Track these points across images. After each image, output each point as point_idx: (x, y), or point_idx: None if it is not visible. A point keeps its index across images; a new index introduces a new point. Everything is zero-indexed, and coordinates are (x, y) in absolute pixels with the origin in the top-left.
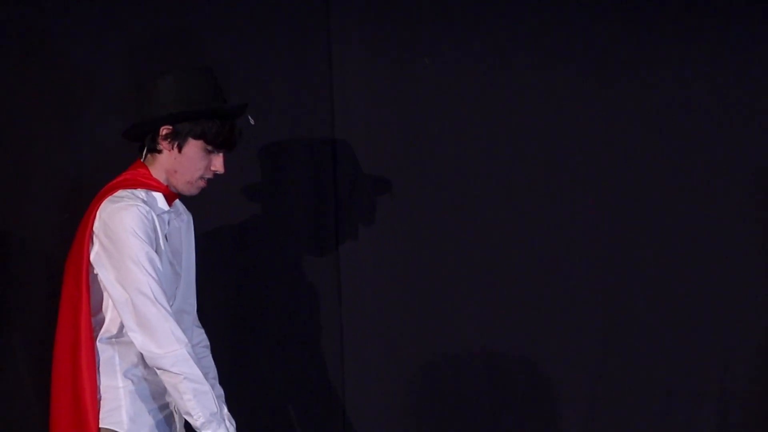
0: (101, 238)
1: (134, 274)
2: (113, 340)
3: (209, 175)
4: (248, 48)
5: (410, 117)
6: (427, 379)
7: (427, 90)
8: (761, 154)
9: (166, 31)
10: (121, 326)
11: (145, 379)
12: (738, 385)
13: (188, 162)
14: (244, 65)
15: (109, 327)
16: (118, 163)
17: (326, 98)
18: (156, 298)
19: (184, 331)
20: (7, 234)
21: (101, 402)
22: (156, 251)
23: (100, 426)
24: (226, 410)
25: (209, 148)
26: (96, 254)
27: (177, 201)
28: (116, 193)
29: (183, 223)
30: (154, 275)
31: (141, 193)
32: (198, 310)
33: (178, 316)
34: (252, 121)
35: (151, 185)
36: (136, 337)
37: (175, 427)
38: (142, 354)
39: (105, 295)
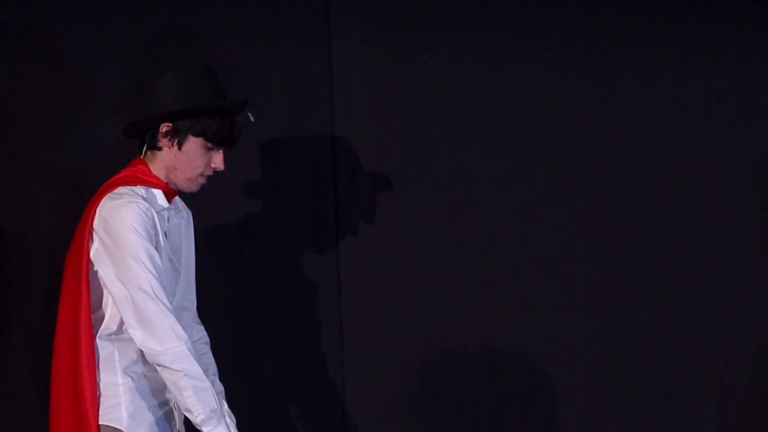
0: (101, 234)
1: (134, 270)
2: (113, 337)
3: (209, 172)
4: (248, 46)
5: (410, 114)
6: (427, 378)
7: (427, 87)
8: (761, 154)
9: (165, 29)
10: (121, 323)
11: (145, 376)
12: (738, 384)
13: (188, 159)
14: (243, 63)
15: (108, 324)
16: (117, 161)
17: (326, 96)
18: (156, 295)
19: (183, 328)
20: (6, 231)
21: (101, 399)
22: (156, 248)
23: (100, 423)
24: (226, 406)
25: (209, 145)
26: (96, 251)
27: (177, 198)
28: (116, 190)
29: (183, 220)
30: (153, 272)
31: (141, 190)
32: (198, 308)
33: (177, 313)
34: (252, 118)
35: (150, 182)
36: (136, 333)
37: (175, 424)
38: (141, 351)
39: (105, 292)
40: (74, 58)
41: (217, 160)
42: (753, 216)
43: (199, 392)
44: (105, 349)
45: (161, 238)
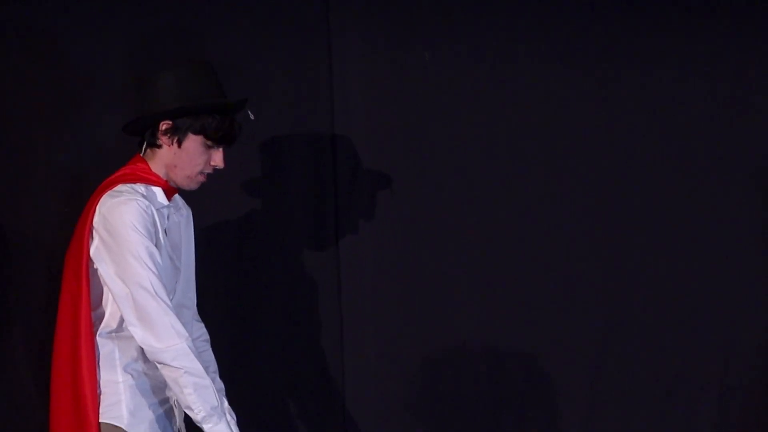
0: (101, 232)
1: (134, 268)
2: (113, 334)
3: (209, 170)
4: (248, 44)
5: (410, 112)
6: (427, 376)
7: (427, 85)
8: (761, 154)
9: (166, 27)
10: (121, 321)
11: (145, 374)
12: (738, 382)
13: (188, 157)
14: (244, 61)
15: (109, 321)
16: (117, 158)
17: (326, 93)
18: (156, 293)
19: (183, 325)
20: (7, 229)
21: (101, 396)
22: (156, 246)
23: (100, 420)
24: (226, 403)
25: (209, 143)
26: (96, 249)
27: (176, 196)
28: (116, 188)
29: (182, 218)
30: (153, 270)
31: (140, 187)
32: (198, 305)
33: (177, 311)
34: (252, 116)
35: (150, 180)
36: (137, 331)
37: (175, 422)
38: (142, 348)
39: (105, 289)
40: (74, 57)
41: (217, 158)
42: (753, 216)
43: (199, 389)
44: (105, 346)
45: (161, 235)
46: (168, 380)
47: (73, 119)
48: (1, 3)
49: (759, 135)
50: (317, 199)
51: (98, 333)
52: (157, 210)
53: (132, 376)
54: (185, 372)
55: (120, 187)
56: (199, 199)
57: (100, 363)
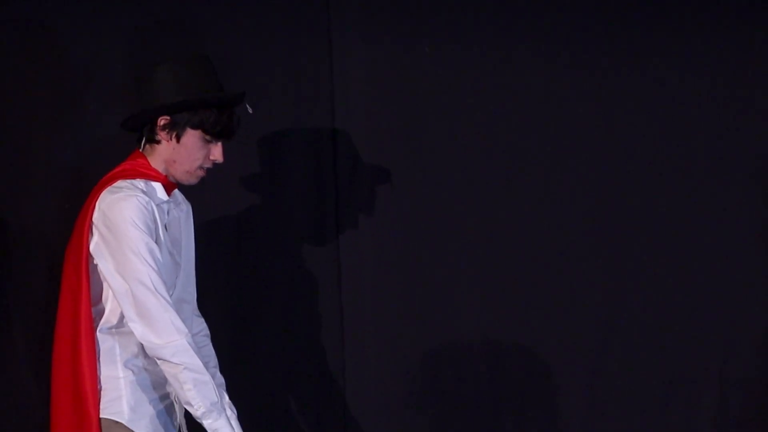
0: (100, 228)
1: (134, 264)
2: (113, 330)
3: (208, 165)
4: (248, 38)
5: (411, 107)
6: (428, 372)
7: (428, 80)
8: (762, 154)
9: (165, 25)
10: (122, 316)
11: (146, 370)
12: (737, 379)
13: (187, 152)
14: (244, 57)
15: (109, 317)
16: (117, 154)
17: (326, 89)
18: (156, 289)
19: (183, 320)
20: (7, 224)
21: (102, 392)
22: (155, 241)
23: (101, 416)
24: (227, 398)
25: (208, 137)
26: (95, 245)
27: (176, 191)
28: (115, 184)
29: (182, 213)
30: (153, 266)
31: (140, 183)
32: (198, 301)
33: (177, 306)
34: (250, 110)
35: (150, 175)
36: (136, 327)
37: (176, 417)
38: (142, 344)
39: (105, 285)
40: (74, 54)
41: (216, 152)
42: (753, 215)
43: (199, 385)
44: (105, 342)
45: (161, 231)
46: (168, 376)
47: (73, 116)
48: (0, 1)
49: (759, 135)
50: (318, 195)
51: (98, 329)
52: (157, 205)
53: (132, 371)
54: (185, 368)
55: (119, 183)
56: (199, 194)
57: (101, 359)
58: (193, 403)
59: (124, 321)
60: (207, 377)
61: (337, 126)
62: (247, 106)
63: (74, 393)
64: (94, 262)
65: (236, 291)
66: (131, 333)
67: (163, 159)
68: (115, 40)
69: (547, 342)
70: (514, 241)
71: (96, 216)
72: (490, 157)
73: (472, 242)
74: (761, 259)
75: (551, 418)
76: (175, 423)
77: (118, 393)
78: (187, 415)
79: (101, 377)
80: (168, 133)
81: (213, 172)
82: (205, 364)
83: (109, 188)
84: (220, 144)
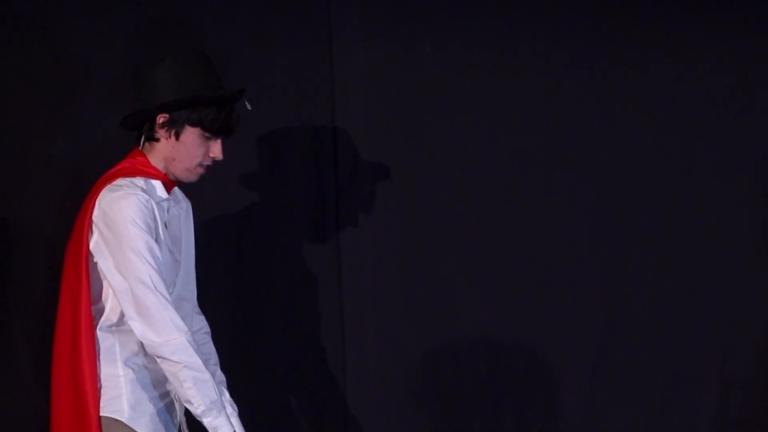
0: (100, 226)
1: (133, 263)
2: (113, 328)
3: (208, 162)
4: (248, 35)
5: (411, 104)
6: (428, 369)
7: (428, 77)
8: (762, 154)
9: (165, 21)
10: (122, 315)
11: (146, 368)
12: (737, 379)
13: (186, 149)
14: (244, 54)
15: (109, 315)
16: (117, 152)
17: (327, 86)
18: (155, 287)
19: (183, 318)
20: (7, 222)
21: (102, 390)
22: (155, 240)
23: (101, 414)
24: (227, 395)
25: (207, 134)
26: (95, 243)
27: (176, 188)
28: (115, 182)
29: (182, 211)
30: (153, 264)
31: (140, 181)
32: (198, 298)
33: (177, 303)
34: (249, 107)
35: (149, 173)
36: (136, 325)
37: (176, 415)
38: (142, 342)
39: (105, 283)
40: (73, 51)
41: (216, 149)
42: (753, 215)
43: (198, 384)
44: (106, 340)
45: (161, 229)
46: (167, 374)
47: (72, 113)
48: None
49: (759, 135)
50: (318, 193)
51: (98, 327)
52: (157, 203)
53: (133, 369)
54: (184, 366)
55: (119, 181)
56: (200, 192)
57: (101, 357)
58: (192, 402)
59: (124, 319)
60: (206, 375)
61: (338, 125)
62: (246, 103)
63: (74, 391)
64: (94, 260)
65: (236, 289)
66: (131, 331)
67: (163, 157)
68: (115, 39)
69: (548, 341)
70: (515, 240)
71: (96, 214)
72: (491, 156)
73: (472, 241)
74: (761, 259)
75: (551, 416)
76: (176, 421)
77: (118, 391)
78: (188, 413)
79: (101, 375)
80: (167, 130)
81: (213, 170)
82: (206, 362)
83: (108, 186)
84: (219, 141)
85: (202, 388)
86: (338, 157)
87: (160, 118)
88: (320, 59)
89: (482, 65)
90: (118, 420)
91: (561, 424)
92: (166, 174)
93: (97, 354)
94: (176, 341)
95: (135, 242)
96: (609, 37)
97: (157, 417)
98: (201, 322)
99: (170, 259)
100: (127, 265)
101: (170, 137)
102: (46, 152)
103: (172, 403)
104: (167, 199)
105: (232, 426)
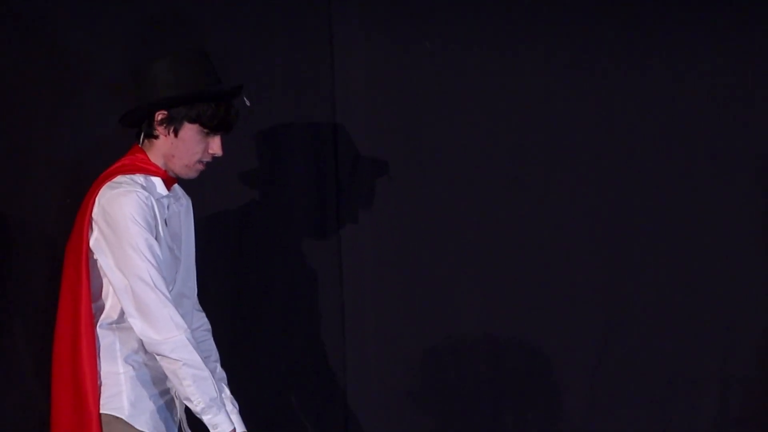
0: (100, 224)
1: (133, 260)
2: (114, 326)
3: (207, 159)
4: (249, 31)
5: (411, 101)
6: (429, 367)
7: (428, 77)
8: (762, 154)
9: (165, 18)
10: (122, 312)
11: (146, 365)
12: (738, 374)
13: (185, 146)
14: (245, 52)
15: (109, 313)
16: (117, 149)
17: (327, 84)
18: (155, 285)
19: (184, 315)
20: (7, 221)
21: (102, 388)
22: (155, 237)
23: (101, 411)
24: (228, 392)
25: (205, 131)
26: (95, 240)
27: (176, 185)
28: (115, 179)
29: (182, 208)
30: (153, 261)
31: (140, 178)
32: (198, 296)
33: (178, 300)
34: (248, 103)
35: (149, 170)
36: (136, 323)
37: (176, 413)
38: (142, 340)
39: (105, 281)
40: (73, 44)
41: (215, 145)
42: (753, 214)
43: (198, 381)
44: (106, 338)
45: (161, 226)
46: (167, 372)
47: (72, 111)
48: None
49: (760, 135)
50: (319, 192)
51: (99, 324)
52: (157, 200)
53: (133, 367)
54: (184, 364)
55: (119, 178)
56: (200, 189)
57: (101, 354)
58: (192, 399)
59: (125, 317)
60: (206, 373)
61: (338, 120)
62: (245, 99)
63: (74, 388)
64: (94, 257)
65: (237, 287)
66: (131, 329)
67: (162, 154)
68: (115, 39)
69: (548, 340)
70: (515, 239)
71: (96, 211)
72: (491, 155)
73: (472, 240)
74: (761, 259)
75: (551, 417)
76: (176, 418)
77: (119, 388)
78: (188, 411)
79: (101, 373)
80: (166, 127)
81: (214, 168)
82: (206, 359)
83: (108, 183)
84: (218, 137)
85: (201, 385)
86: (338, 156)
87: (159, 115)
88: (320, 59)
89: (482, 65)
90: (118, 417)
91: (561, 424)
92: (165, 171)
93: (98, 351)
94: (176, 339)
95: (135, 239)
96: (609, 37)
97: (157, 414)
98: (201, 319)
99: (170, 256)
100: (127, 263)
101: (169, 134)
102: (46, 150)
103: (172, 400)
104: (167, 196)
105: (232, 423)
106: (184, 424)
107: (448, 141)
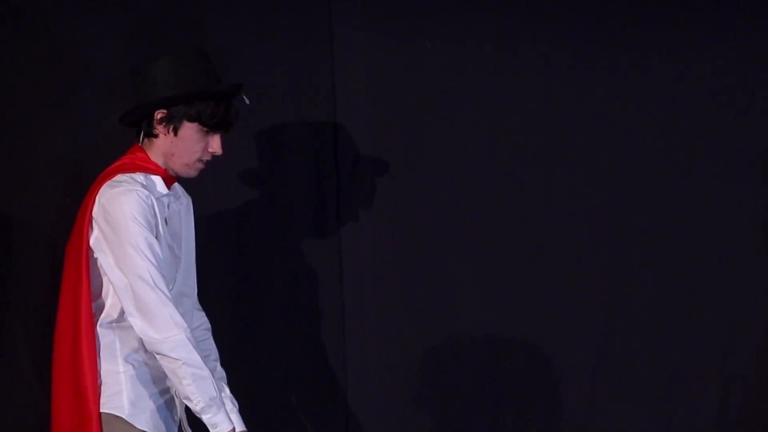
0: (100, 223)
1: (133, 259)
2: (114, 325)
3: (207, 157)
4: (249, 31)
5: (411, 101)
6: (429, 367)
7: (429, 76)
8: (762, 154)
9: (165, 17)
10: (122, 311)
11: (146, 364)
12: (738, 373)
13: (184, 145)
14: (245, 51)
15: (109, 312)
16: (117, 148)
17: (328, 83)
18: (155, 284)
19: (184, 314)
20: (8, 219)
21: (102, 387)
22: (156, 236)
23: (101, 410)
24: (227, 391)
25: (205, 129)
26: (95, 239)
27: (176, 184)
28: (115, 178)
29: (182, 206)
30: (153, 260)
31: (140, 177)
32: (198, 295)
33: (178, 299)
34: (247, 101)
35: (149, 169)
36: (136, 322)
37: (176, 412)
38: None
39: (105, 280)
40: (73, 43)
41: (215, 144)
42: (753, 214)
43: (198, 380)
44: (106, 337)
45: (161, 225)
46: (167, 371)
47: (72, 109)
48: None
49: (759, 134)
50: (319, 191)
51: (99, 323)
52: (157, 199)
53: (133, 366)
54: (183, 363)
55: (119, 177)
56: (200, 188)
57: (101, 353)
58: (192, 398)
59: (125, 315)
60: (206, 372)
61: (338, 119)
62: (244, 97)
63: (74, 387)
64: (94, 256)
65: (237, 287)
66: (131, 328)
67: (162, 152)
68: (115, 38)
69: (548, 339)
70: (515, 239)
71: (96, 210)
72: (491, 155)
73: (473, 239)
74: (761, 259)
75: (551, 416)
76: (176, 417)
77: (119, 387)
78: (188, 410)
79: (101, 372)
80: (165, 126)
81: (214, 167)
82: (206, 358)
83: (108, 182)
84: (218, 136)
85: (201, 384)
86: (339, 155)
87: (158, 114)
88: (321, 58)
89: (482, 65)
90: (118, 416)
91: (561, 424)
92: (165, 169)
93: (98, 350)
94: (175, 338)
95: (135, 238)
96: (609, 37)
97: (157, 413)
98: (201, 318)
99: (170, 255)
100: (127, 262)
101: (169, 133)
102: (46, 149)
103: (172, 399)
104: (167, 195)
105: (232, 422)
106: (184, 424)
107: (448, 141)
